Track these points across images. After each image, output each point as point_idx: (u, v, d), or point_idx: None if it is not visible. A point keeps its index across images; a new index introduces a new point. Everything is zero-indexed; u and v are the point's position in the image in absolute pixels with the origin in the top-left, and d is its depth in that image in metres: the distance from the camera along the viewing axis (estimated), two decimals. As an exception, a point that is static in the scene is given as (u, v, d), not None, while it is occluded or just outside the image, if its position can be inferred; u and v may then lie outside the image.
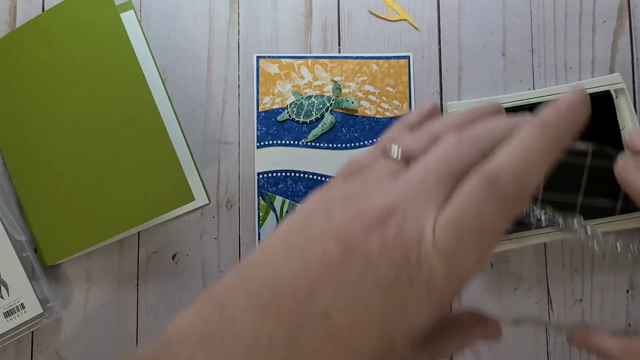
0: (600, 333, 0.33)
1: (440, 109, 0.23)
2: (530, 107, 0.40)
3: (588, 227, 0.32)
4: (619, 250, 0.34)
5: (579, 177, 0.36)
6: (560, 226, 0.32)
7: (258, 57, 0.45)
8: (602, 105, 0.40)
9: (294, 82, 0.44)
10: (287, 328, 0.20)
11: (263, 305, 0.21)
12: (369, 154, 0.24)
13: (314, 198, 0.23)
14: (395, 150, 0.24)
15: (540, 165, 0.21)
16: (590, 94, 0.40)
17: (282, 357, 0.20)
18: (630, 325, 0.42)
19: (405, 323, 0.21)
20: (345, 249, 0.21)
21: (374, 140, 0.44)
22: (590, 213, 0.36)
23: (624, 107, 0.41)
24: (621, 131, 0.40)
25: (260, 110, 0.44)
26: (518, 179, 0.21)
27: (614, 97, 0.41)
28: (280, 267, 0.21)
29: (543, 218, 0.32)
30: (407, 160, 0.24)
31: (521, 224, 0.36)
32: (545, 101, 0.40)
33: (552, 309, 0.42)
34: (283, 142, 0.44)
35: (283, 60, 0.45)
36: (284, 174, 0.44)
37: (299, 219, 0.23)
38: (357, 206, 0.22)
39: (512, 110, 0.40)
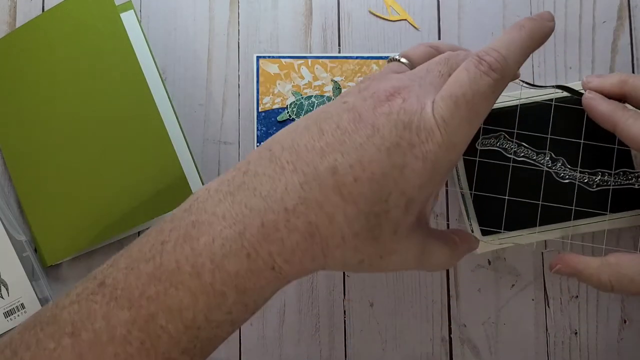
0: (577, 254, 0.35)
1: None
2: (531, 107, 0.40)
3: (558, 162, 0.39)
4: (586, 181, 0.39)
5: (547, 118, 0.40)
6: (534, 159, 0.40)
7: (258, 57, 0.45)
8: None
9: (294, 82, 0.44)
10: (300, 180, 0.24)
11: (282, 163, 0.24)
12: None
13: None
14: (400, 56, 0.30)
15: (519, 54, 0.27)
16: None
17: (294, 204, 0.23)
18: (625, 321, 0.42)
19: (401, 187, 0.24)
20: (356, 118, 0.24)
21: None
22: (559, 148, 0.40)
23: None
24: None
25: (260, 110, 0.44)
26: (502, 58, 0.25)
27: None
28: (299, 136, 0.25)
29: (519, 151, 0.40)
30: (411, 66, 0.29)
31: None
32: (545, 100, 0.40)
33: (548, 306, 0.42)
34: (283, 142, 0.44)
35: (283, 60, 0.45)
36: (284, 174, 0.44)
37: (318, 109, 0.27)
38: (369, 91, 0.25)
39: (512, 109, 0.40)
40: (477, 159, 0.39)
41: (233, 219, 0.24)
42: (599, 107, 0.35)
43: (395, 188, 0.24)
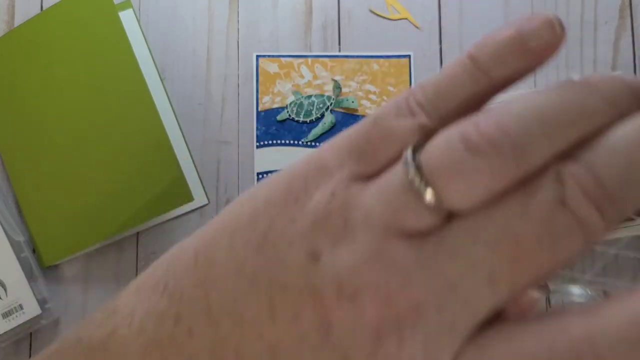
0: None
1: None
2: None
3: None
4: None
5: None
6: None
7: (258, 56, 0.44)
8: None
9: (293, 82, 0.44)
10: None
11: (223, 336, 0.15)
12: (389, 137, 0.15)
13: (302, 164, 0.16)
14: (429, 194, 0.13)
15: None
16: None
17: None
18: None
19: None
20: (322, 341, 0.14)
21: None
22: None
23: None
24: None
25: (259, 109, 0.44)
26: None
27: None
28: (243, 296, 0.15)
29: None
30: (442, 210, 0.13)
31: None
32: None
33: (550, 307, 0.42)
34: (283, 141, 0.44)
35: (283, 59, 0.44)
36: (283, 173, 0.43)
37: (274, 232, 0.15)
38: (350, 284, 0.14)
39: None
40: None
41: None
42: None
43: None
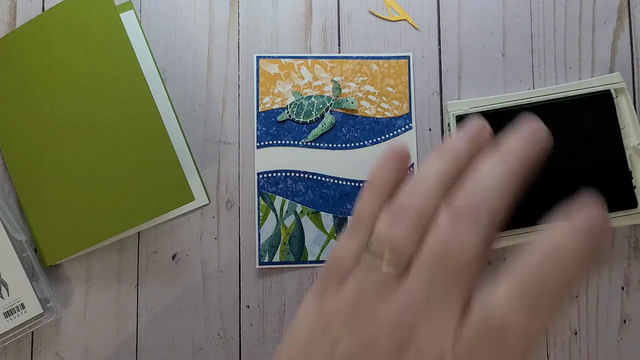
0: None
1: (407, 154, 0.21)
2: (530, 108, 0.40)
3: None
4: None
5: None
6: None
7: (258, 57, 0.45)
8: (602, 105, 0.40)
9: (294, 82, 0.44)
10: None
11: None
12: (351, 248, 0.20)
13: (309, 313, 0.20)
14: (386, 258, 0.19)
15: (575, 273, 0.18)
16: (591, 94, 0.40)
17: None
18: (625, 321, 0.42)
19: None
20: None
21: (374, 140, 0.44)
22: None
23: (624, 107, 0.41)
24: (621, 130, 0.40)
25: (260, 110, 0.44)
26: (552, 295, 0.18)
27: (614, 96, 0.41)
28: None
29: None
30: (399, 262, 0.19)
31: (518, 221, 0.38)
32: (545, 101, 0.40)
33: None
34: (283, 142, 0.44)
35: (283, 60, 0.45)
36: (284, 174, 0.44)
37: (299, 344, 0.19)
38: (363, 335, 0.18)
39: (512, 110, 0.40)
40: None
41: None
42: None
43: None
